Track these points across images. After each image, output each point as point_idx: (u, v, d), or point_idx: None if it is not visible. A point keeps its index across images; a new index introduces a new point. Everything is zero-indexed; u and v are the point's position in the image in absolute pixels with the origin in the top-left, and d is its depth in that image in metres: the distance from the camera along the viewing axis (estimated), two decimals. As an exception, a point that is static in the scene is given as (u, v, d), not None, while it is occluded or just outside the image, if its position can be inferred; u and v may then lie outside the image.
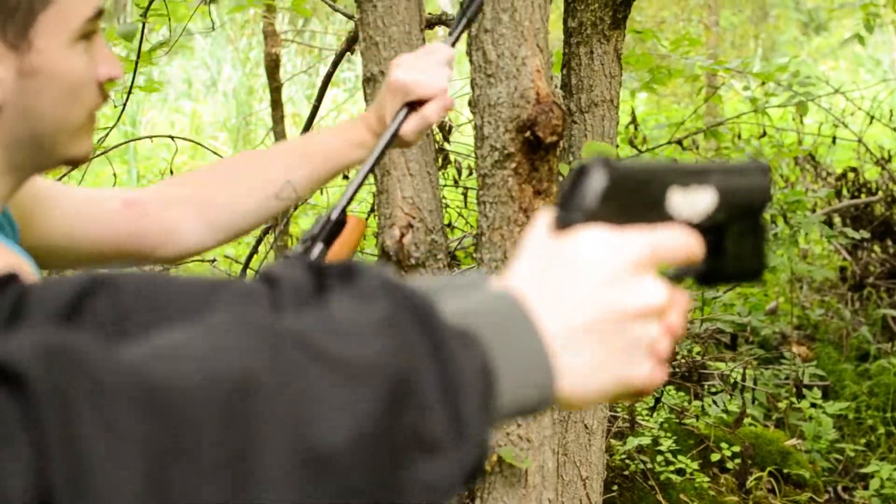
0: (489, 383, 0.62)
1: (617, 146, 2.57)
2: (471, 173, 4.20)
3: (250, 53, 9.91)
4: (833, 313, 4.69)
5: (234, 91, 9.79)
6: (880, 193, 5.03)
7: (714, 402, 3.68)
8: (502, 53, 1.94)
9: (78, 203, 1.36)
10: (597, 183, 0.70)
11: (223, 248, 3.39)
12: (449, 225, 4.26)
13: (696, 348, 3.97)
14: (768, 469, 3.38)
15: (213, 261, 3.90)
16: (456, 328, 0.62)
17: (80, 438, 0.49)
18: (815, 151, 5.65)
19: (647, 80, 3.69)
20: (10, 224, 1.23)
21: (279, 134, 5.09)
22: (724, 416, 3.60)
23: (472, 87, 1.99)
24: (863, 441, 3.78)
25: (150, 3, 3.31)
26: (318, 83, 4.73)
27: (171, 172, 3.87)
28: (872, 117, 5.52)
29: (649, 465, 3.25)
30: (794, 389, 3.82)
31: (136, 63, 3.33)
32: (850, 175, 5.11)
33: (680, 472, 3.27)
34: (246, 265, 3.74)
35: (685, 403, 3.66)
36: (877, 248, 4.96)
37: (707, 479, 3.26)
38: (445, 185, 4.18)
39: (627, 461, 3.27)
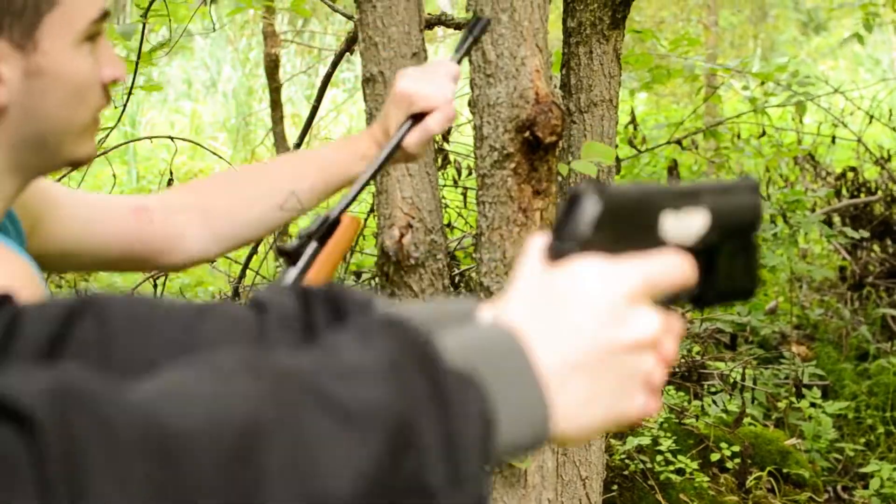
0: (489, 430, 0.62)
1: (616, 146, 2.57)
2: (470, 173, 4.20)
3: (250, 54, 9.92)
4: (832, 313, 4.70)
5: (234, 91, 9.80)
6: (880, 193, 5.03)
7: (714, 401, 3.68)
8: (501, 53, 1.94)
9: (89, 209, 1.37)
10: (590, 210, 0.70)
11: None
12: (448, 225, 4.26)
13: (696, 348, 3.97)
14: (768, 469, 3.38)
15: (213, 260, 3.90)
16: (458, 372, 0.62)
17: (89, 483, 0.49)
18: (815, 151, 5.65)
19: (646, 79, 3.69)
20: (16, 227, 1.23)
21: (278, 134, 5.10)
22: (724, 415, 3.60)
23: (472, 87, 2.00)
24: (862, 441, 3.78)
25: (151, 4, 3.32)
26: (318, 83, 4.73)
27: (171, 173, 3.87)
28: (872, 117, 5.52)
29: (649, 465, 3.25)
30: (794, 389, 3.82)
31: (137, 64, 3.33)
32: (850, 174, 5.11)
33: (680, 471, 3.27)
34: (245, 265, 3.74)
35: (685, 403, 3.67)
36: (876, 247, 4.96)
37: (707, 478, 3.26)
38: (445, 185, 4.18)
39: (627, 461, 3.27)
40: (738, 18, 10.98)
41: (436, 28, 3.36)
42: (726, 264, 0.79)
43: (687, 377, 3.81)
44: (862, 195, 5.02)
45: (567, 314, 0.68)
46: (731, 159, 5.61)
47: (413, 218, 2.07)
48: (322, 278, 1.22)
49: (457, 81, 1.40)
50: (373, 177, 1.37)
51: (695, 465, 3.28)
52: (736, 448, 3.38)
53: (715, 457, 3.37)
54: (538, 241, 0.72)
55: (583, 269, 0.69)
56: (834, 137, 5.51)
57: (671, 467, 3.26)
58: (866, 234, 4.47)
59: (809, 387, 3.89)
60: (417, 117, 1.38)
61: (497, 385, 0.64)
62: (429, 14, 2.98)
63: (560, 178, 2.39)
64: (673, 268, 0.72)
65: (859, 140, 5.38)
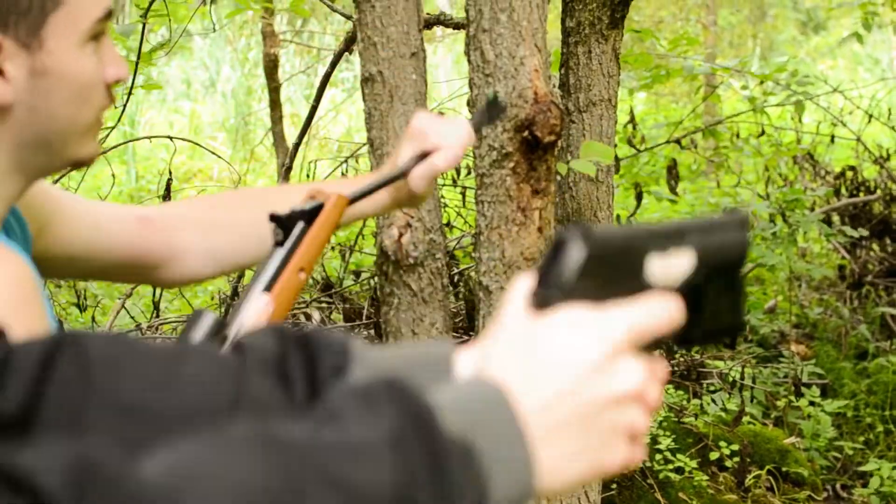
0: (483, 500, 0.64)
1: (615, 145, 2.57)
2: (469, 173, 4.21)
3: (249, 54, 9.92)
4: (832, 312, 4.70)
5: (233, 91, 9.80)
6: (879, 192, 5.03)
7: (713, 400, 3.68)
8: (500, 53, 1.94)
9: (96, 214, 1.38)
10: (575, 257, 0.69)
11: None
12: (447, 224, 4.27)
13: (695, 347, 3.98)
14: (767, 467, 3.38)
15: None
16: (455, 442, 0.63)
17: None
18: (814, 150, 5.65)
19: (645, 79, 3.69)
20: (23, 228, 1.24)
21: (277, 134, 5.10)
22: (723, 414, 3.61)
23: (471, 87, 2.00)
24: (861, 439, 3.79)
25: (151, 4, 3.32)
26: (317, 83, 4.73)
27: (170, 173, 3.87)
28: (871, 116, 5.53)
29: (648, 464, 3.25)
30: (793, 388, 3.82)
31: (137, 64, 3.33)
32: (849, 173, 5.11)
33: (679, 470, 3.27)
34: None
35: (684, 402, 3.67)
36: (875, 246, 4.96)
37: (706, 477, 3.26)
38: (444, 185, 4.19)
39: (626, 460, 3.27)
40: (736, 18, 10.99)
41: (434, 28, 3.36)
42: (713, 303, 0.77)
43: (686, 376, 3.82)
44: (861, 194, 5.02)
45: (551, 371, 0.68)
46: (731, 158, 5.61)
47: (412, 217, 2.08)
48: (310, 258, 1.22)
49: (469, 141, 1.41)
50: (371, 192, 1.38)
51: (694, 463, 3.29)
52: (735, 447, 3.38)
53: (714, 455, 3.38)
54: (523, 283, 0.72)
55: (567, 321, 0.69)
56: (833, 136, 5.52)
57: (670, 466, 3.26)
58: (865, 233, 4.47)
59: (808, 385, 3.89)
60: (426, 155, 1.39)
61: (488, 446, 0.65)
62: (427, 14, 2.98)
63: (559, 178, 2.39)
64: (659, 314, 0.72)
65: (858, 139, 5.38)
